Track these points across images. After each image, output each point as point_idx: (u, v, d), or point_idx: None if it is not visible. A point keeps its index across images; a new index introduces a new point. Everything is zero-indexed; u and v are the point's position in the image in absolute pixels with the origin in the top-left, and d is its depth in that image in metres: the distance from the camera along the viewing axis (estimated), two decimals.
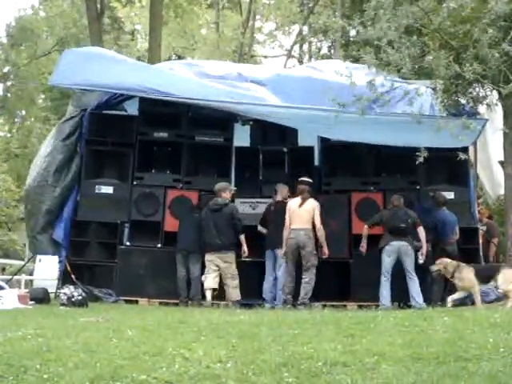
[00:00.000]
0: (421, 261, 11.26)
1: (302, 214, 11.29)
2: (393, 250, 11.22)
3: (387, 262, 11.21)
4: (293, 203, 11.44)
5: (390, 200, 11.79)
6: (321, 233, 11.37)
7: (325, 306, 10.95)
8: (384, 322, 7.06)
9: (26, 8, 34.09)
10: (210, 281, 11.41)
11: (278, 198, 12.19)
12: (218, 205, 11.61)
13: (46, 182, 12.44)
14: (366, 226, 11.68)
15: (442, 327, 6.38)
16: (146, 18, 25.74)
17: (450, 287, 11.58)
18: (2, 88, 36.40)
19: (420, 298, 10.93)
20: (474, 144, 12.18)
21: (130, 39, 35.64)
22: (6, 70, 33.46)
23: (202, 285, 11.63)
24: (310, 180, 11.87)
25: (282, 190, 12.19)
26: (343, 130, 11.54)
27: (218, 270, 11.44)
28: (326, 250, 11.40)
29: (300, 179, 11.78)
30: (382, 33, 9.22)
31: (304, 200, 11.34)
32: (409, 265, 11.14)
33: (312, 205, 11.36)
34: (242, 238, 11.68)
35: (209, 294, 11.37)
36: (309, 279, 11.13)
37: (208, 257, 11.51)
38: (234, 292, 11.35)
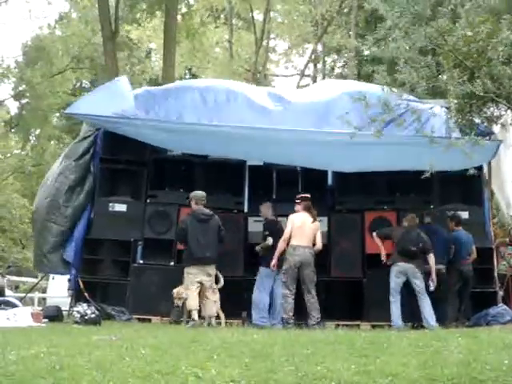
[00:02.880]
0: (431, 288, 11.19)
1: (309, 231, 11.15)
2: (401, 271, 11.15)
3: (395, 281, 11.12)
4: (299, 218, 11.20)
5: (405, 218, 11.68)
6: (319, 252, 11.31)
7: (338, 325, 10.91)
8: (398, 342, 7.02)
9: (42, 27, 34.40)
10: (195, 301, 10.80)
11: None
12: (206, 215, 11.11)
13: (57, 202, 12.44)
14: (374, 234, 11.64)
15: (457, 348, 6.33)
16: (160, 39, 25.95)
17: (465, 308, 11.54)
18: (17, 106, 36.72)
19: (432, 319, 10.84)
20: (489, 164, 12.16)
21: (145, 57, 35.85)
22: (21, 88, 33.71)
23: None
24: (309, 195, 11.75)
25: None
26: (355, 160, 11.58)
27: (199, 286, 10.87)
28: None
29: (302, 195, 11.58)
30: (396, 52, 9.22)
31: (315, 217, 11.27)
32: (419, 286, 11.05)
33: (317, 223, 11.31)
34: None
35: (195, 315, 10.71)
36: (315, 298, 11.02)
37: (191, 270, 10.92)
38: (213, 307, 10.90)
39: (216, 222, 11.14)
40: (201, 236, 10.94)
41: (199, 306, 10.87)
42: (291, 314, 10.92)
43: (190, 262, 11.02)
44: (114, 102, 11.95)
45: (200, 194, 11.31)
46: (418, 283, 11.06)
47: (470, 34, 8.81)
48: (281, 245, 11.13)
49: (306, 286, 11.02)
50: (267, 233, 11.78)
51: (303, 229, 11.11)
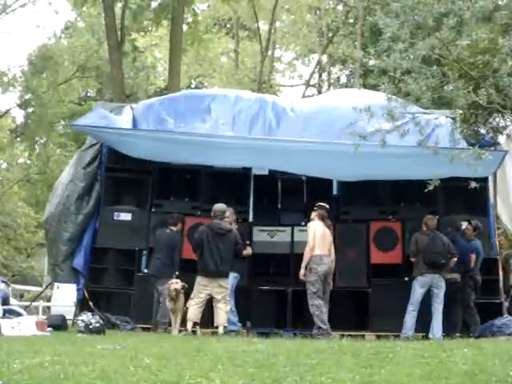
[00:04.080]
0: None
1: (328, 240, 11.13)
2: (427, 282, 11.05)
3: (419, 292, 11.04)
4: (318, 227, 11.14)
5: (424, 221, 11.47)
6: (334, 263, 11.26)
7: (343, 335, 10.87)
8: (403, 352, 7.00)
9: (50, 37, 34.60)
10: (195, 312, 10.81)
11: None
12: (223, 229, 11.05)
13: (68, 210, 12.50)
14: (412, 260, 11.40)
15: (462, 359, 6.31)
16: (166, 48, 26.03)
17: (469, 317, 11.47)
18: (23, 115, 36.82)
19: (439, 332, 10.78)
20: (494, 174, 12.14)
21: (151, 66, 35.95)
22: (26, 97, 33.84)
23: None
24: (327, 205, 11.65)
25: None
26: (359, 169, 11.58)
27: (205, 299, 10.91)
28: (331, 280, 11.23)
29: (320, 204, 11.50)
30: (398, 63, 9.22)
31: (330, 228, 11.24)
32: (439, 297, 11.00)
33: (331, 233, 11.30)
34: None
35: (189, 326, 10.79)
36: (328, 308, 11.01)
37: (201, 280, 10.93)
38: (224, 316, 10.83)
39: (233, 236, 11.09)
40: (215, 249, 10.90)
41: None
42: (327, 324, 10.82)
43: (201, 273, 11.02)
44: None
45: (219, 207, 11.25)
46: (440, 294, 11.01)
47: (467, 42, 8.80)
48: (308, 254, 10.97)
49: (325, 296, 10.99)
50: (248, 242, 11.77)
51: (326, 238, 11.11)
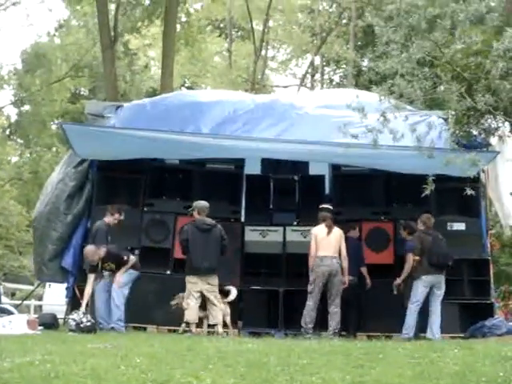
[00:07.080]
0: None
1: (332, 241, 11.12)
2: (430, 282, 10.92)
3: (422, 292, 10.89)
4: (319, 231, 11.19)
5: (421, 219, 11.31)
6: (346, 262, 11.17)
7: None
8: (393, 353, 7.02)
9: (41, 35, 34.55)
10: (195, 311, 10.83)
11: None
12: (208, 225, 11.04)
13: (57, 209, 12.46)
14: (417, 258, 11.07)
15: (453, 359, 6.32)
16: (159, 48, 26.04)
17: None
18: (16, 113, 36.71)
19: (438, 332, 10.74)
20: (486, 174, 12.16)
21: (144, 66, 35.90)
22: (21, 95, 33.76)
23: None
24: (331, 207, 11.71)
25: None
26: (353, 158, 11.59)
27: (200, 296, 10.87)
28: (347, 279, 11.18)
29: (321, 206, 11.58)
30: (393, 68, 9.23)
31: (330, 228, 11.21)
32: (439, 297, 10.95)
33: (339, 233, 11.23)
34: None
35: (193, 327, 10.76)
36: (338, 308, 10.98)
37: (191, 279, 10.90)
38: (220, 315, 10.89)
39: (218, 231, 11.08)
40: (201, 246, 10.88)
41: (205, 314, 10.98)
42: (311, 325, 10.88)
43: (189, 271, 10.99)
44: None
45: (203, 203, 11.24)
46: (440, 293, 10.94)
47: (460, 46, 8.84)
48: (311, 261, 11.09)
49: (332, 296, 11.02)
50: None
51: (326, 240, 11.11)
